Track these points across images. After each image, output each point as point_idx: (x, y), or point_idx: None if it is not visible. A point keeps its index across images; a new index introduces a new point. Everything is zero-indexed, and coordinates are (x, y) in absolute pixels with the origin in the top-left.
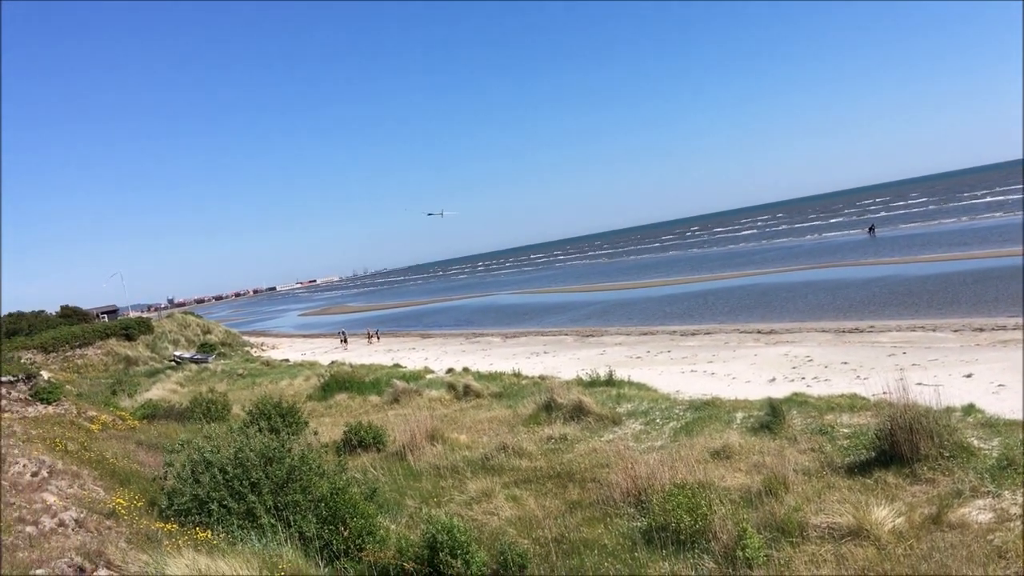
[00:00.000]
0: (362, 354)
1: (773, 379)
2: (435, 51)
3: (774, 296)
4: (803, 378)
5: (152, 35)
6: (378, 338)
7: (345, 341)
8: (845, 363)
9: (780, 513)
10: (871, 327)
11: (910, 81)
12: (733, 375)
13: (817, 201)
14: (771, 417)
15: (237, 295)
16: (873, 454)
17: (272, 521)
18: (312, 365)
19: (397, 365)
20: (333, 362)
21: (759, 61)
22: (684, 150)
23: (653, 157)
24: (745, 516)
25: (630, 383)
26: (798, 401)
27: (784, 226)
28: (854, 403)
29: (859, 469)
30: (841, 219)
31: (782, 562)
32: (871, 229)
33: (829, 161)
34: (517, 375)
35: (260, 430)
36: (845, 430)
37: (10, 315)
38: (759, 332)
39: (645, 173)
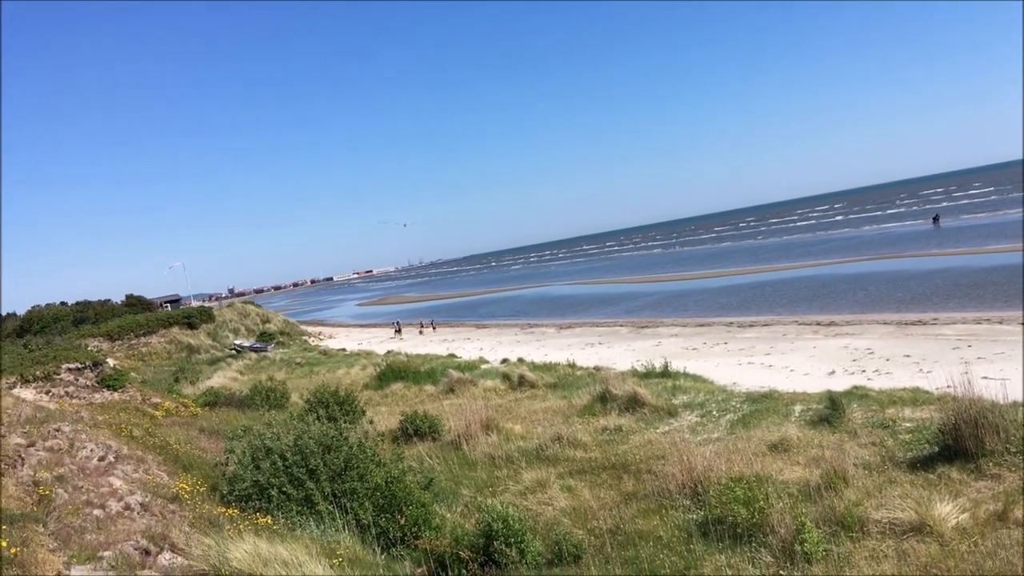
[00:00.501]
0: (417, 344)
1: (832, 372)
2: (510, 46)
3: (833, 287)
4: (864, 371)
5: (216, 27)
6: (433, 328)
7: (399, 331)
8: (907, 356)
9: (839, 508)
10: (934, 319)
11: (974, 70)
12: (791, 367)
13: (876, 191)
14: (830, 410)
15: (295, 285)
16: (936, 449)
17: (330, 508)
18: (368, 354)
19: (452, 355)
20: (389, 352)
21: (817, 49)
22: (743, 139)
23: (710, 147)
24: (803, 510)
25: (686, 375)
26: (858, 394)
27: (842, 216)
28: (917, 397)
29: (922, 464)
30: (902, 209)
31: (841, 557)
32: (935, 219)
33: (888, 150)
34: (572, 366)
35: (318, 418)
36: (907, 424)
37: (77, 304)
38: (818, 324)
39: (703, 163)
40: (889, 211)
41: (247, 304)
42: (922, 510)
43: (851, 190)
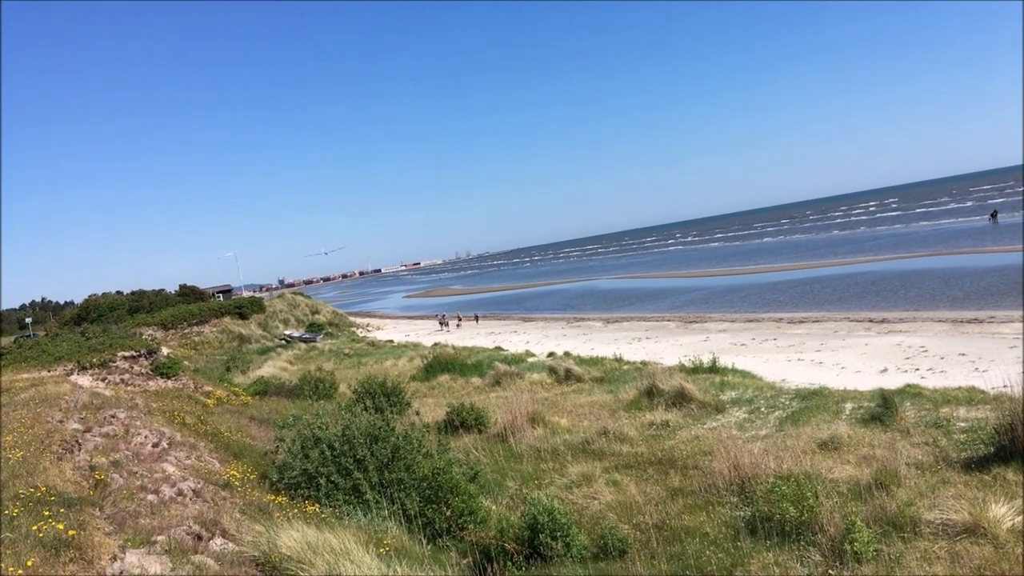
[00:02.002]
0: (464, 336)
1: (885, 370)
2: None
3: (886, 284)
4: (917, 369)
5: (277, 29)
6: (476, 319)
7: (445, 324)
8: (963, 355)
9: (891, 507)
10: (991, 317)
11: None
12: (842, 364)
13: (931, 186)
14: (882, 408)
15: (344, 276)
16: (992, 449)
17: (377, 498)
18: (416, 346)
19: (499, 348)
20: (436, 344)
21: (876, 46)
22: (793, 133)
23: (761, 140)
24: (854, 509)
25: (734, 370)
26: (911, 393)
27: (897, 211)
28: (972, 396)
29: (976, 465)
30: (957, 205)
31: (892, 558)
32: (994, 215)
33: (944, 145)
34: (618, 360)
35: (366, 409)
36: (962, 424)
37: (133, 293)
38: (870, 321)
39: (756, 155)
40: (945, 207)
41: (297, 295)
42: (976, 511)
43: (905, 185)
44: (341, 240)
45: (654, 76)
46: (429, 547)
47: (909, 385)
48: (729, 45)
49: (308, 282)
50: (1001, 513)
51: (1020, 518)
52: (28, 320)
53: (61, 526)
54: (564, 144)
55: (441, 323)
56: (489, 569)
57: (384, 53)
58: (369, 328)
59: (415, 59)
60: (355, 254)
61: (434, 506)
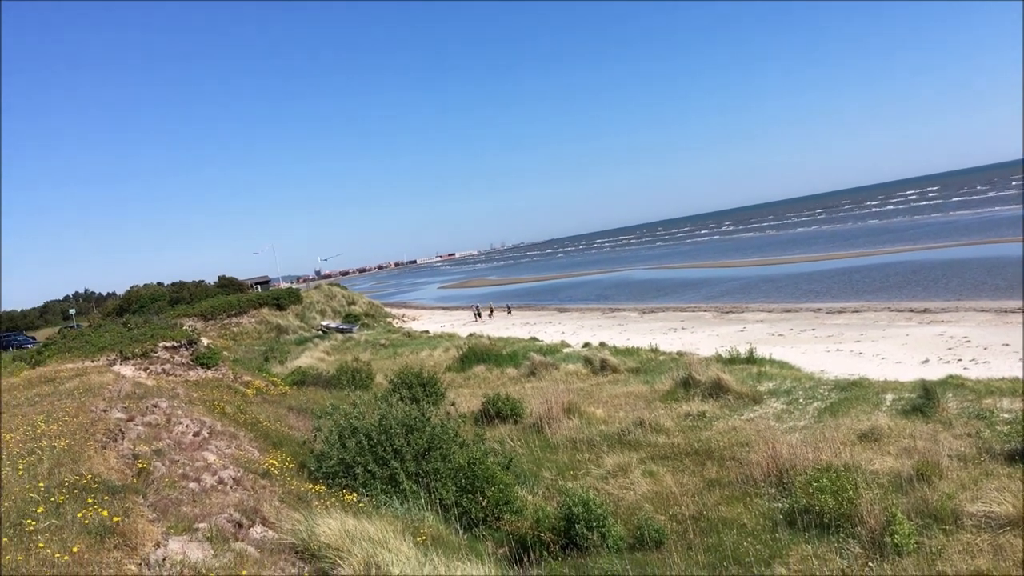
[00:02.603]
0: (499, 327)
1: (926, 360)
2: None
3: (927, 273)
4: (959, 360)
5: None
6: (508, 311)
7: (479, 315)
8: (1007, 345)
9: (932, 499)
10: None
11: None
12: (882, 355)
13: (972, 174)
14: (924, 399)
15: (380, 267)
16: None
17: (413, 487)
18: (451, 337)
19: (534, 338)
20: (471, 334)
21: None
22: (834, 120)
23: (794, 128)
24: (894, 501)
25: (771, 361)
26: (954, 384)
27: (937, 200)
28: (1016, 387)
29: (1020, 456)
30: (997, 193)
31: (934, 550)
32: None
33: (984, 132)
34: (654, 351)
35: (402, 399)
36: (1005, 415)
37: (173, 284)
38: (911, 311)
39: (790, 144)
40: (985, 195)
41: (333, 286)
42: (1020, 504)
43: (944, 173)
44: (484, 211)
45: (692, 63)
46: (465, 536)
47: (951, 376)
48: (770, 29)
49: (344, 273)
50: None
51: None
52: (72, 311)
53: (106, 513)
54: (600, 134)
55: (476, 314)
56: (525, 559)
57: (427, 46)
58: (405, 319)
59: (460, 50)
60: (391, 245)
61: (470, 496)
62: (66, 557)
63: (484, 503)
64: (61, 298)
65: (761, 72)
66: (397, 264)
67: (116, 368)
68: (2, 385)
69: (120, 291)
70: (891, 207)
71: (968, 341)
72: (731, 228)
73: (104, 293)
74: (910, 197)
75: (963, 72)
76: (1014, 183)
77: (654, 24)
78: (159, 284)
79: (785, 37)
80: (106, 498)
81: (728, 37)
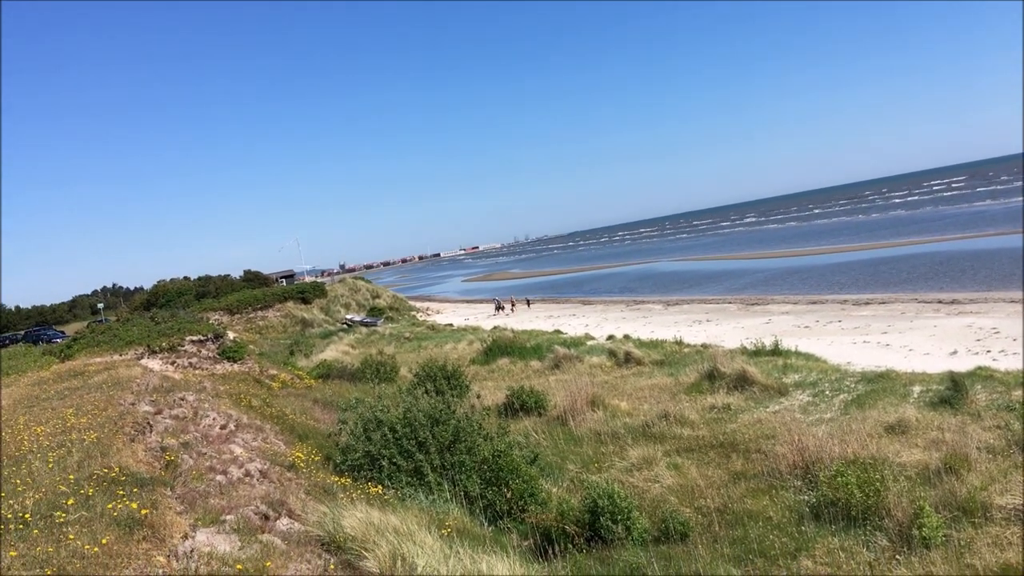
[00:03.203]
0: (523, 320)
1: (955, 352)
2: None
3: (955, 264)
4: (988, 351)
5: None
6: (527, 304)
7: (501, 308)
8: None
9: (961, 492)
10: None
11: None
12: (910, 347)
13: (998, 164)
14: (952, 391)
15: (404, 261)
16: None
17: (438, 480)
18: (475, 330)
19: (558, 331)
20: (495, 327)
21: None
22: (855, 112)
23: (817, 119)
24: (922, 494)
25: (797, 353)
26: (983, 375)
27: (965, 190)
28: None
29: None
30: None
31: (962, 543)
32: None
33: (1011, 123)
34: (679, 343)
35: (426, 392)
36: None
37: (199, 278)
38: (939, 302)
39: (815, 132)
40: (1011, 184)
41: (358, 280)
42: None
43: (971, 163)
44: (508, 204)
45: (712, 55)
46: (490, 529)
47: (980, 367)
48: (795, 24)
49: (369, 267)
50: None
51: None
52: (100, 306)
53: (134, 505)
54: (620, 127)
55: (498, 307)
56: (550, 551)
57: (447, 43)
58: (429, 312)
59: (475, 47)
60: (414, 238)
61: (495, 488)
62: (96, 549)
63: (509, 495)
64: (89, 293)
65: (781, 68)
66: (421, 257)
67: (144, 362)
68: (32, 379)
69: (147, 286)
70: (915, 197)
71: (997, 332)
72: (754, 220)
73: (132, 288)
74: (935, 187)
75: (996, 60)
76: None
77: (656, 23)
78: (185, 278)
79: (805, 32)
80: (135, 490)
81: (745, 31)
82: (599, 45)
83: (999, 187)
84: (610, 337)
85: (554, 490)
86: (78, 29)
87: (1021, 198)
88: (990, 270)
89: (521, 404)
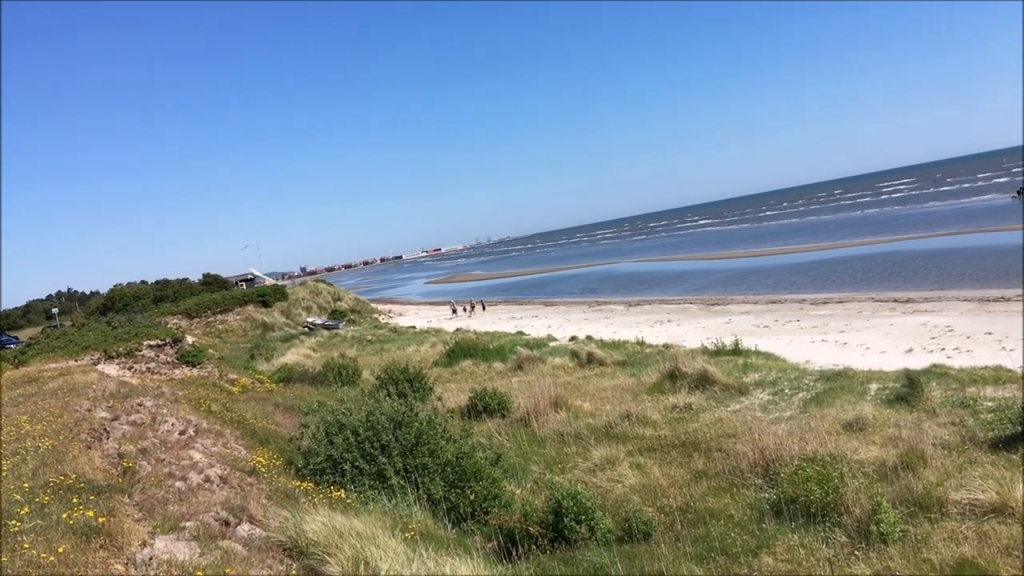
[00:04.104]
0: (485, 322)
1: (910, 350)
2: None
3: (911, 264)
4: (943, 349)
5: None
6: (483, 308)
7: (465, 310)
8: (989, 334)
9: (917, 488)
10: (1019, 296)
11: None
12: (867, 345)
13: (960, 163)
14: (908, 389)
15: (365, 263)
16: (1019, 429)
17: (401, 483)
18: (438, 332)
19: (520, 332)
20: (458, 329)
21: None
22: (816, 114)
23: (781, 122)
24: (880, 490)
25: (757, 352)
26: (937, 373)
27: (918, 191)
28: (999, 375)
29: (1004, 444)
30: (981, 183)
31: (919, 538)
32: (1019, 193)
33: (972, 123)
34: (641, 343)
35: (389, 395)
36: (989, 403)
37: (157, 282)
38: (895, 301)
39: (774, 136)
40: (965, 185)
41: (319, 282)
42: (1004, 491)
43: (927, 164)
44: (470, 206)
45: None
46: (454, 531)
47: (935, 365)
48: (737, 27)
49: (330, 269)
50: None
51: None
52: (55, 310)
53: (91, 513)
54: (574, 131)
55: (453, 311)
56: (514, 553)
57: (407, 42)
58: (391, 314)
59: (434, 50)
60: (376, 241)
61: (458, 491)
62: (52, 558)
63: (472, 498)
64: (44, 297)
65: (748, 70)
66: (383, 260)
67: (100, 367)
68: None
69: (103, 290)
70: (867, 199)
71: (951, 330)
72: (711, 222)
73: (87, 292)
74: (886, 189)
75: (950, 64)
76: (996, 171)
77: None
78: (143, 282)
79: (771, 34)
80: (91, 498)
81: (682, 38)
82: (563, 47)
83: (947, 188)
84: (573, 338)
85: (518, 492)
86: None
87: (1019, 193)
88: (942, 270)
89: (484, 406)
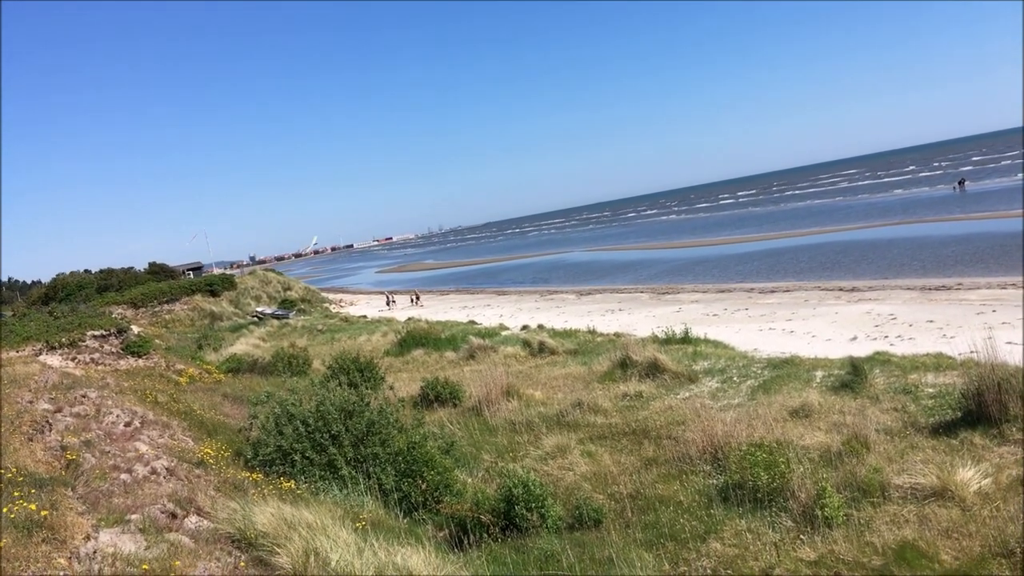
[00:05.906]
0: (437, 311)
1: (855, 337)
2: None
3: (855, 253)
4: (886, 336)
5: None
6: (418, 299)
7: (390, 303)
8: (931, 321)
9: (861, 473)
10: (959, 284)
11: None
12: (813, 333)
13: (903, 155)
14: (852, 376)
15: (316, 252)
16: (959, 414)
17: (352, 473)
18: (389, 321)
19: (472, 322)
20: (409, 318)
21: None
22: (755, 106)
23: (733, 111)
24: (824, 475)
25: (706, 341)
26: (881, 360)
27: (866, 181)
28: (940, 362)
29: (944, 429)
30: (926, 173)
31: (862, 522)
32: (960, 183)
33: (919, 113)
34: (592, 332)
35: (340, 384)
36: (930, 390)
37: (101, 271)
38: (840, 290)
39: (721, 128)
40: (910, 175)
41: (268, 271)
42: (944, 475)
43: (870, 155)
44: (421, 195)
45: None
46: (405, 521)
47: (878, 352)
48: (703, 23)
49: (280, 258)
50: (968, 476)
51: (987, 481)
52: None
53: (33, 507)
54: (538, 118)
55: (388, 302)
56: (465, 541)
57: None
58: (342, 304)
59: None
60: (326, 230)
61: (409, 480)
62: None
63: (424, 487)
64: None
65: (705, 60)
66: (334, 248)
67: (42, 358)
68: None
69: (45, 279)
70: (814, 189)
71: (894, 318)
72: (655, 212)
73: (29, 281)
74: (830, 180)
75: (894, 55)
76: (929, 165)
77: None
78: (86, 271)
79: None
80: (33, 491)
81: (601, 32)
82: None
83: (892, 178)
84: (524, 327)
85: (469, 480)
86: None
87: (1020, 179)
88: (885, 259)
89: (436, 395)
